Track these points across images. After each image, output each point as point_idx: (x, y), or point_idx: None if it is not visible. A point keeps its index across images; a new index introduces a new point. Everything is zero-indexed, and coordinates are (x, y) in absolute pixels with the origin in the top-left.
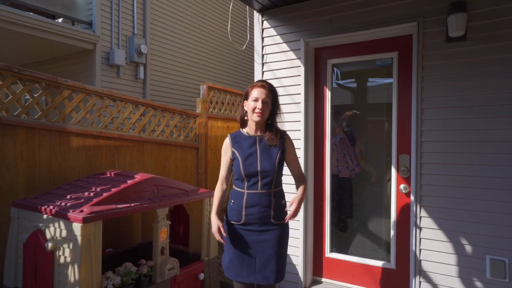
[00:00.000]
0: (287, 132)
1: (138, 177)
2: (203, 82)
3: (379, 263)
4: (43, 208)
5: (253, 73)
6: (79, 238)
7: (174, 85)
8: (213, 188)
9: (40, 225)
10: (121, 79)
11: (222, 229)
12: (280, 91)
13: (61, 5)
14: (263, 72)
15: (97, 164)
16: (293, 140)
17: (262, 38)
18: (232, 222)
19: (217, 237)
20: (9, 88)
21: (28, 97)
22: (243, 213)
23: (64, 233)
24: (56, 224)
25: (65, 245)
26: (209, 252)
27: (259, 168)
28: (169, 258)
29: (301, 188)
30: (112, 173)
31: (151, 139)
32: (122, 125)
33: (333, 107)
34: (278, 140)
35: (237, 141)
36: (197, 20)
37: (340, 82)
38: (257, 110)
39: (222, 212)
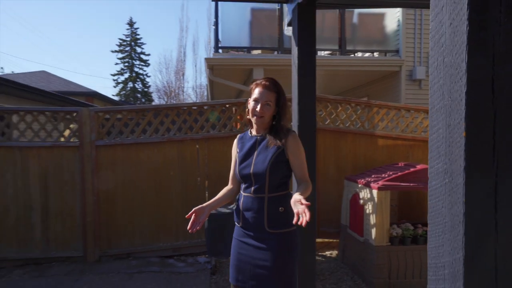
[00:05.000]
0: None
1: (418, 167)
2: None
3: None
4: (359, 180)
5: None
6: (376, 199)
7: None
8: None
9: (357, 190)
10: (422, 90)
11: (193, 214)
12: None
13: (376, 43)
14: None
15: (394, 157)
16: None
17: None
18: (236, 223)
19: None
20: (344, 110)
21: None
22: (241, 216)
23: (368, 196)
24: (365, 190)
25: (369, 203)
26: None
27: (251, 171)
28: None
29: (300, 189)
30: (402, 163)
31: None
32: (415, 128)
33: None
34: (279, 139)
35: (242, 141)
36: None
37: None
38: (255, 113)
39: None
